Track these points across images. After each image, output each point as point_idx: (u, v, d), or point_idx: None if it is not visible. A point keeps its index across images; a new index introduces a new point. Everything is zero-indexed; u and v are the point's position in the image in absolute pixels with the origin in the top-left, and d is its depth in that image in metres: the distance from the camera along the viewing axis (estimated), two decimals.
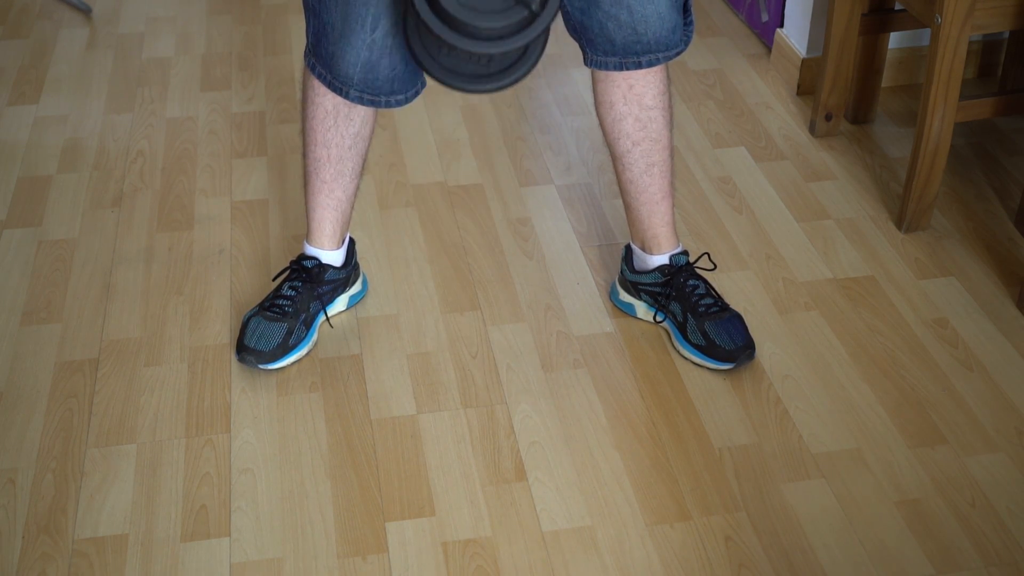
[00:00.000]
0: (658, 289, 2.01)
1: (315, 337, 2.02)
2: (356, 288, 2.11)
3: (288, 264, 2.05)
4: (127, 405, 1.92)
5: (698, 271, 2.04)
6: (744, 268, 2.21)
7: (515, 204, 2.41)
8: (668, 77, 1.92)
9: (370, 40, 1.74)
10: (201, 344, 2.04)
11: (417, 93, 1.86)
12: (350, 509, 1.73)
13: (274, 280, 2.06)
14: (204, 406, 1.92)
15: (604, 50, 1.83)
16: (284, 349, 1.96)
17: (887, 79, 2.78)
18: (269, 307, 1.98)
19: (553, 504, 1.73)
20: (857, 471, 1.78)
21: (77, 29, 3.14)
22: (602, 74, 1.89)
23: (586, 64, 1.87)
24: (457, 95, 2.80)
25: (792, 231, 2.32)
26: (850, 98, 2.64)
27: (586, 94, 2.79)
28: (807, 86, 2.78)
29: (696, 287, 2.00)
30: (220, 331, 2.07)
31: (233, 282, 2.19)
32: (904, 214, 2.29)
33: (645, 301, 2.05)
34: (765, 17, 2.97)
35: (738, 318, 1.97)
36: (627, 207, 2.02)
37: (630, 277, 2.06)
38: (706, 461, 1.81)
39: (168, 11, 3.24)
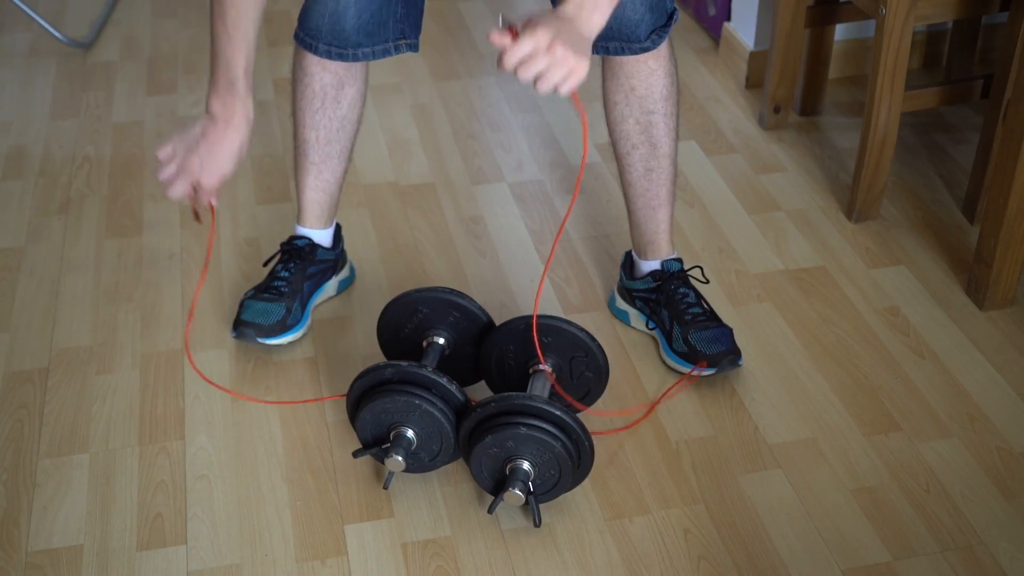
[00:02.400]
0: (650, 295, 2.01)
1: (309, 321, 2.05)
2: (345, 273, 2.14)
3: (279, 247, 2.08)
4: (79, 414, 1.90)
5: (692, 279, 2.01)
6: (697, 261, 2.21)
7: (467, 202, 2.40)
8: (675, 84, 1.89)
9: None
10: (153, 350, 2.02)
11: (387, 52, 1.86)
12: (308, 513, 1.72)
13: (265, 265, 2.09)
14: (157, 413, 1.90)
15: None
16: (283, 327, 1.98)
17: (834, 70, 2.80)
18: (265, 289, 2.01)
19: None
20: (813, 460, 1.79)
21: (19, 34, 3.10)
22: (607, 72, 1.87)
23: None
24: (407, 93, 2.79)
25: (743, 223, 2.33)
26: (798, 90, 2.66)
27: (535, 91, 2.78)
28: (755, 79, 2.80)
29: (686, 295, 1.97)
30: (172, 337, 2.05)
31: (184, 287, 2.17)
32: (854, 204, 2.31)
33: (638, 308, 2.04)
34: (712, 11, 2.98)
35: (726, 329, 1.94)
36: (627, 209, 2.00)
37: (626, 283, 2.04)
38: (663, 454, 1.81)
39: (112, 14, 3.20)
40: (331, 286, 2.11)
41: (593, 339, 1.77)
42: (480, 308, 1.81)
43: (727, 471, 1.78)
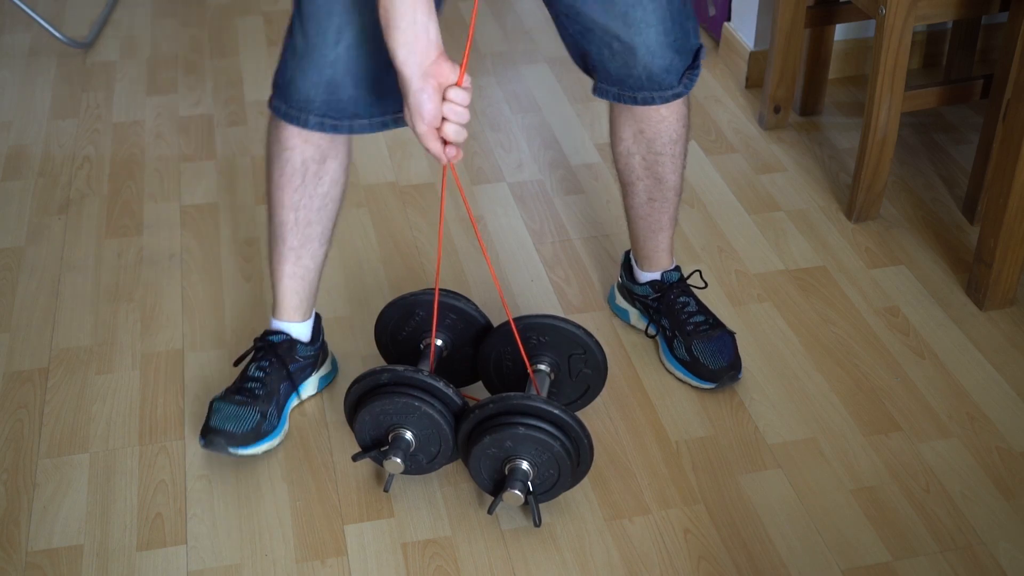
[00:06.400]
0: (650, 303, 2.00)
1: (287, 427, 1.85)
2: (326, 368, 1.94)
3: (252, 343, 1.87)
4: (79, 414, 1.90)
5: (691, 287, 2.00)
6: (697, 261, 2.21)
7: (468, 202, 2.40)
8: (686, 126, 1.84)
9: (333, 56, 1.60)
10: (153, 351, 2.02)
11: (385, 125, 1.67)
12: (308, 513, 1.72)
13: (235, 365, 1.87)
14: (157, 413, 1.90)
15: (603, 78, 1.74)
16: (257, 435, 1.78)
17: (834, 71, 2.80)
18: (237, 391, 1.80)
19: None
20: (813, 460, 1.79)
21: (19, 34, 3.10)
22: (616, 108, 1.82)
23: (592, 92, 1.79)
24: None
25: (744, 223, 2.33)
26: (798, 90, 2.66)
27: (536, 91, 2.79)
28: (755, 79, 2.80)
29: (686, 304, 1.96)
30: (172, 337, 2.05)
31: (184, 287, 2.17)
32: (854, 204, 2.31)
33: (638, 310, 2.04)
34: (712, 11, 2.98)
35: (728, 337, 1.93)
36: (627, 222, 1.98)
37: (626, 283, 2.04)
38: (663, 454, 1.81)
39: (112, 14, 3.20)
40: (311, 384, 1.90)
41: (590, 336, 1.77)
42: (477, 310, 1.81)
43: (727, 471, 1.78)
